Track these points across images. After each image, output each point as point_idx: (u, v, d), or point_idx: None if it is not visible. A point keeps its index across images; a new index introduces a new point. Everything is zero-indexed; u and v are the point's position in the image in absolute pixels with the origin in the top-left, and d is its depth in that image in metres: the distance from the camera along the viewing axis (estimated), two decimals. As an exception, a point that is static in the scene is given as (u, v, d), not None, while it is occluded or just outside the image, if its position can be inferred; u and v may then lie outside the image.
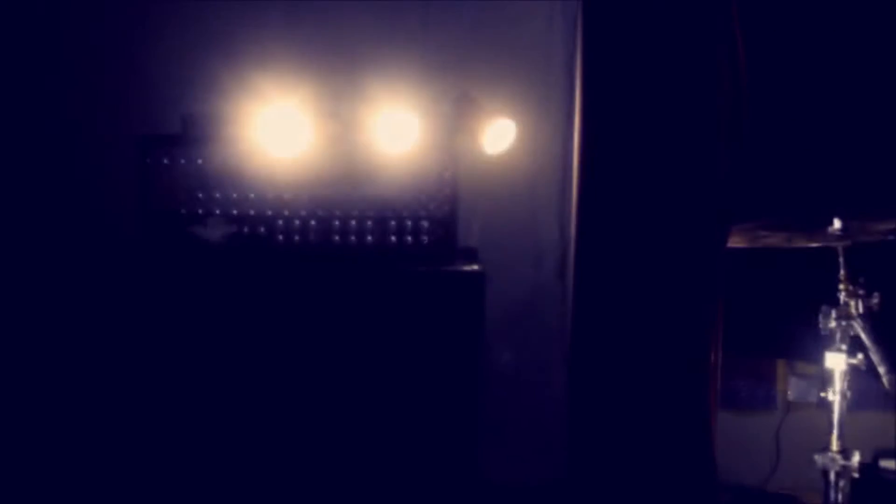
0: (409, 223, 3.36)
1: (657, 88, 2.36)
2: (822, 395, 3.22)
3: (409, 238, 3.37)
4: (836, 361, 3.19)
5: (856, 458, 3.18)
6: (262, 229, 3.32)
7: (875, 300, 3.18)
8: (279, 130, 3.22)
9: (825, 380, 3.23)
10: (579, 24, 2.53)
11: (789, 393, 4.36)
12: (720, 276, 2.34)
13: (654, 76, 2.35)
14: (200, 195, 3.29)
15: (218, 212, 3.31)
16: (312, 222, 3.33)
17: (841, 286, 3.21)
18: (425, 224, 3.37)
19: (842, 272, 3.21)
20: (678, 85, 2.33)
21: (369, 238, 3.35)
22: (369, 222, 3.35)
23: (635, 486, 2.40)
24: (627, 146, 2.41)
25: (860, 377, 3.35)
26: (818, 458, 3.21)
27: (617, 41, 2.40)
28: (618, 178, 2.41)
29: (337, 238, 3.34)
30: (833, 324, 3.18)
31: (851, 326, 3.16)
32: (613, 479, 2.43)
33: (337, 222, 3.34)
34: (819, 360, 3.23)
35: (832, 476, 3.19)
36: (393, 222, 3.36)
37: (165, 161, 3.27)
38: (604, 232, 2.42)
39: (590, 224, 2.44)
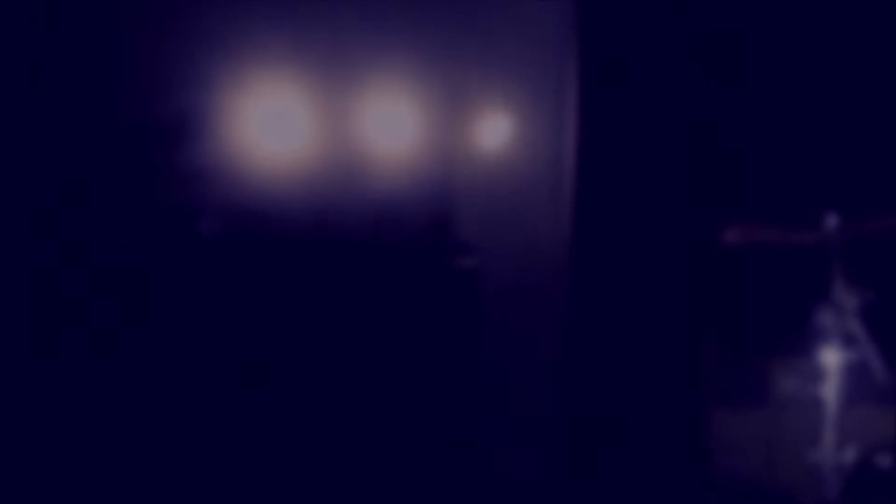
0: (405, 219, 3.37)
1: (642, 99, 2.40)
2: (816, 390, 3.23)
3: (406, 234, 3.37)
4: (831, 357, 3.20)
5: (849, 453, 3.20)
6: (258, 224, 3.33)
7: (869, 296, 3.19)
8: (274, 126, 3.23)
9: (819, 375, 3.25)
10: (574, 35, 2.57)
11: (783, 388, 4.37)
12: (707, 274, 2.36)
13: (639, 90, 2.40)
14: (197, 191, 3.30)
15: (214, 207, 3.32)
16: (308, 217, 3.33)
17: (835, 283, 3.22)
18: (421, 220, 3.38)
19: (836, 269, 3.23)
20: (658, 98, 2.37)
21: (365, 234, 3.35)
22: (365, 218, 3.36)
23: (627, 481, 2.42)
24: (620, 149, 2.44)
25: (854, 373, 3.37)
26: (811, 453, 3.22)
27: (609, 54, 2.44)
28: (609, 183, 2.43)
29: (333, 234, 3.35)
30: (827, 320, 3.19)
31: (845, 322, 3.17)
32: (606, 474, 2.45)
33: (332, 218, 3.34)
34: (811, 355, 3.24)
35: (825, 471, 3.20)
36: (389, 218, 3.36)
37: (162, 158, 3.28)
38: (597, 237, 2.45)
39: (583, 229, 2.47)
